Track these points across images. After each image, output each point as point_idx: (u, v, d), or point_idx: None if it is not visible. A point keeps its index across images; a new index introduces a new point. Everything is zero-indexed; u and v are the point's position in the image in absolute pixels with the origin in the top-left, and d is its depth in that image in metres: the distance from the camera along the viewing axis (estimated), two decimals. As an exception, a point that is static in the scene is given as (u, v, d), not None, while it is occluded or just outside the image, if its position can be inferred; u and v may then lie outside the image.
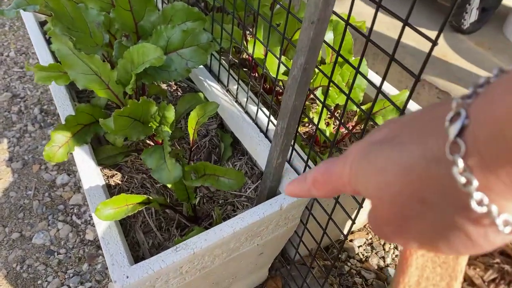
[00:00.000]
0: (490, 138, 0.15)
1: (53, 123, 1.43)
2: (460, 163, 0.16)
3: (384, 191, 0.20)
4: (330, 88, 0.77)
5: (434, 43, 0.39)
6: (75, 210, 1.16)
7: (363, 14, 1.73)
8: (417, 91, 1.44)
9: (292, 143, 0.72)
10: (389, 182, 0.19)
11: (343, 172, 0.23)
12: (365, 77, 0.50)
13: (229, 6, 0.92)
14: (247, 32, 1.13)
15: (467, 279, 0.34)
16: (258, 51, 0.85)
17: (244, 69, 1.07)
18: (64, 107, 0.81)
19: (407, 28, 0.41)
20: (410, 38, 1.56)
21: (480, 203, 0.16)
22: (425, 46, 1.52)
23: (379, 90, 0.48)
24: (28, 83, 1.61)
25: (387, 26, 1.66)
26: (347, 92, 0.55)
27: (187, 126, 0.80)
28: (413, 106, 0.87)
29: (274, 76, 0.76)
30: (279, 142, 0.63)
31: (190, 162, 0.87)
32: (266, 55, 0.75)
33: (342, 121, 0.97)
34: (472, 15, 1.58)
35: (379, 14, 1.54)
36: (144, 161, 0.70)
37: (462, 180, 0.16)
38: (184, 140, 0.90)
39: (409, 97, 0.44)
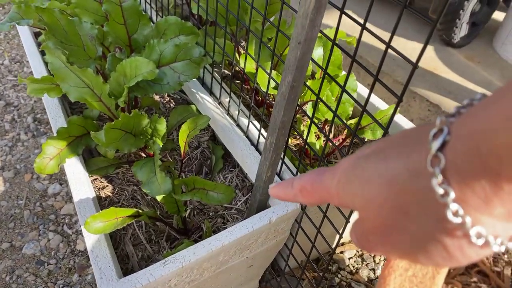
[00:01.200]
0: (467, 153, 0.16)
1: (46, 132, 1.43)
2: (439, 175, 0.17)
3: (370, 202, 0.21)
4: (319, 103, 0.78)
5: (415, 66, 0.40)
6: (67, 220, 1.15)
7: (355, 25, 1.76)
8: (408, 103, 1.46)
9: (282, 156, 0.73)
10: (374, 193, 0.20)
11: (331, 184, 0.25)
12: (350, 95, 0.51)
13: (221, 21, 0.94)
14: (240, 45, 1.15)
15: (444, 298, 0.35)
16: (250, 66, 0.86)
17: (237, 81, 1.09)
18: (56, 118, 0.82)
19: (397, 39, 0.42)
20: (400, 50, 1.59)
21: (455, 214, 0.17)
22: (415, 58, 1.54)
23: (364, 109, 0.50)
24: (22, 92, 1.61)
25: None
26: (335, 107, 0.56)
27: (179, 137, 0.81)
28: (402, 120, 0.89)
29: (265, 90, 0.77)
30: (269, 157, 0.64)
31: (181, 174, 0.88)
32: (257, 70, 0.76)
33: (331, 136, 0.98)
34: (462, 30, 1.61)
35: (370, 26, 1.57)
36: (135, 173, 0.71)
37: (440, 191, 0.17)
38: (176, 151, 0.90)
39: (392, 116, 0.45)
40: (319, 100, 0.59)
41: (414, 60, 0.40)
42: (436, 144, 0.18)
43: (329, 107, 0.57)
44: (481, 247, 0.18)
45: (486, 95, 0.18)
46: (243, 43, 1.24)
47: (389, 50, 0.42)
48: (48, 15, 0.72)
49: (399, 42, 1.59)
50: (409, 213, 0.19)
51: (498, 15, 1.90)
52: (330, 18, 1.77)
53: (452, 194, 0.17)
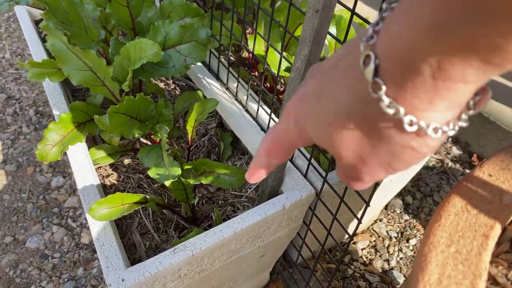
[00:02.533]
0: (398, 68, 0.18)
1: (48, 124, 1.40)
2: (383, 96, 0.19)
3: (333, 126, 0.22)
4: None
5: None
6: (70, 213, 1.13)
7: (362, 13, 1.72)
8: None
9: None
10: (334, 121, 0.22)
11: (290, 128, 0.26)
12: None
13: (228, 2, 0.90)
14: (247, 31, 1.11)
15: (489, 278, 0.32)
16: (259, 48, 0.83)
17: (245, 67, 1.05)
18: (59, 105, 0.79)
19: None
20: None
21: (396, 113, 0.19)
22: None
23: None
24: (23, 85, 1.58)
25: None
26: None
27: (185, 125, 0.77)
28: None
29: (276, 72, 0.74)
30: (282, 139, 0.60)
31: (188, 162, 0.84)
32: (267, 51, 0.73)
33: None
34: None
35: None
36: (141, 160, 0.67)
37: (390, 111, 0.19)
38: (182, 139, 0.87)
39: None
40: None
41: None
42: (370, 73, 0.19)
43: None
44: (416, 133, 0.20)
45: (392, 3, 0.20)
46: (249, 30, 1.20)
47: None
48: (48, -6, 0.69)
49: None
50: (373, 136, 0.21)
51: None
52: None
53: (388, 99, 0.19)
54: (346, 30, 0.50)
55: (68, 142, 0.71)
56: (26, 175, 1.22)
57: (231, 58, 1.04)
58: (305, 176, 0.69)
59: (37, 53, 0.89)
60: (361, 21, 0.86)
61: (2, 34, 1.89)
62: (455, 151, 1.33)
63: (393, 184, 0.88)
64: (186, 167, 0.62)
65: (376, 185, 0.54)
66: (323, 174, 0.64)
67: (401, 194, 1.18)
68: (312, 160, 0.68)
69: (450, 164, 1.28)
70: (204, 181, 0.60)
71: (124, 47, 0.73)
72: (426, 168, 1.27)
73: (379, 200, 0.97)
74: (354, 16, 0.50)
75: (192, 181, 0.59)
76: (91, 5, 0.76)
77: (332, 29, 0.79)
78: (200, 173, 0.63)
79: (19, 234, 1.08)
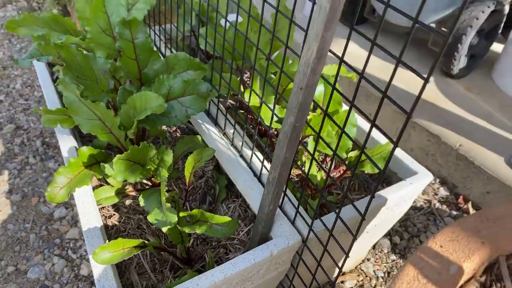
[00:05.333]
0: None
1: (54, 155, 1.46)
2: None
3: None
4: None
5: (426, 80, 0.41)
6: (71, 245, 1.17)
7: (352, 54, 1.81)
8: (408, 133, 1.49)
9: (284, 189, 0.75)
10: None
11: None
12: (350, 137, 0.54)
13: (227, 56, 0.98)
14: (245, 77, 1.19)
15: None
16: (254, 100, 0.90)
17: (241, 110, 1.12)
18: (68, 149, 0.85)
19: (397, 70, 0.45)
20: (400, 80, 1.63)
21: None
22: (415, 88, 1.58)
23: (362, 150, 0.52)
24: (31, 115, 1.65)
25: (379, 68, 1.73)
26: (335, 142, 0.59)
27: (184, 167, 0.83)
28: (401, 153, 0.92)
29: (268, 124, 0.80)
30: (271, 191, 0.66)
31: (185, 203, 0.90)
32: (261, 105, 0.80)
33: (331, 171, 1.00)
34: (461, 62, 1.65)
35: (372, 57, 1.60)
36: (142, 203, 0.73)
37: None
38: (181, 180, 0.93)
39: (393, 151, 0.48)
40: (319, 137, 0.62)
41: (413, 91, 0.43)
42: None
43: (328, 146, 0.60)
44: None
45: None
46: (247, 74, 1.28)
47: (390, 77, 0.45)
48: (66, 51, 0.76)
49: (398, 72, 1.64)
50: None
51: (497, 47, 1.95)
52: (333, 45, 1.83)
53: None
54: (330, 94, 0.56)
55: (75, 184, 0.77)
56: (31, 206, 1.28)
57: (229, 103, 1.11)
58: (292, 223, 0.74)
59: (50, 96, 0.96)
60: (350, 76, 0.94)
61: (14, 64, 1.98)
62: (443, 192, 1.38)
63: (380, 226, 0.93)
64: (182, 214, 0.68)
65: (354, 238, 0.59)
66: (309, 222, 0.70)
67: (389, 234, 1.23)
68: (300, 208, 0.73)
69: (438, 205, 1.34)
70: (198, 230, 0.66)
71: (131, 97, 0.80)
72: (414, 208, 1.32)
73: (366, 241, 1.02)
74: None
75: (187, 230, 0.65)
76: (102, 58, 0.84)
77: (320, 87, 0.86)
78: (195, 221, 0.69)
79: (21, 264, 1.12)
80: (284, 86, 0.90)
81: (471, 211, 1.32)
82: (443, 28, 1.74)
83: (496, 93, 1.66)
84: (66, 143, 0.87)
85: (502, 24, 1.69)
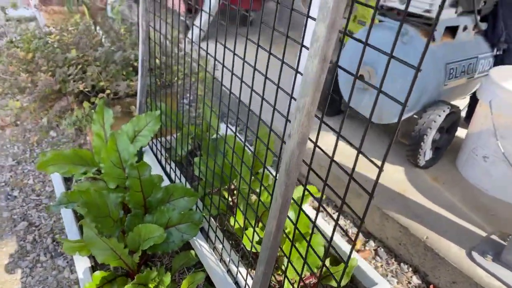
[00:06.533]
0: None
1: (63, 253, 1.61)
2: None
3: None
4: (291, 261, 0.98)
5: (380, 169, 0.57)
6: None
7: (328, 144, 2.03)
8: (382, 223, 1.67)
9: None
10: None
11: None
12: (320, 257, 0.72)
13: (216, 184, 1.18)
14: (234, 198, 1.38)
15: None
16: (240, 219, 1.08)
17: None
18: (83, 269, 1.02)
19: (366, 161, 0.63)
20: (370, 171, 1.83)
21: None
22: (388, 182, 1.77)
23: (323, 263, 0.70)
24: (43, 212, 1.82)
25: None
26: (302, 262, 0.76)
27: (181, 279, 1.00)
28: (366, 266, 1.08)
29: (249, 248, 0.98)
30: (250, 315, 0.82)
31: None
32: (244, 230, 0.98)
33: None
34: (426, 154, 1.87)
35: (344, 144, 1.81)
36: (145, 323, 0.88)
37: None
38: (178, 290, 1.08)
39: (343, 273, 0.65)
40: (289, 262, 0.79)
41: (382, 180, 0.61)
42: None
43: (297, 272, 0.78)
44: None
45: None
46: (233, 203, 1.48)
47: (360, 174, 0.63)
48: (87, 195, 0.96)
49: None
50: None
51: (460, 133, 2.17)
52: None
53: None
54: (297, 214, 0.74)
55: (89, 306, 0.93)
56: (41, 305, 1.40)
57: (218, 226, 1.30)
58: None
59: (69, 226, 1.14)
60: (318, 195, 1.13)
61: (27, 158, 2.19)
62: (415, 280, 1.53)
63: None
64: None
65: None
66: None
67: (366, 326, 1.36)
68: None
69: (411, 294, 1.47)
70: None
71: (137, 227, 0.99)
72: (389, 298, 1.46)
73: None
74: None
75: None
76: (114, 194, 1.03)
77: (291, 213, 1.06)
78: None
79: None
80: (263, 210, 1.09)
81: (441, 299, 1.45)
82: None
83: (459, 182, 1.85)
84: (81, 265, 1.03)
85: (459, 121, 1.94)
